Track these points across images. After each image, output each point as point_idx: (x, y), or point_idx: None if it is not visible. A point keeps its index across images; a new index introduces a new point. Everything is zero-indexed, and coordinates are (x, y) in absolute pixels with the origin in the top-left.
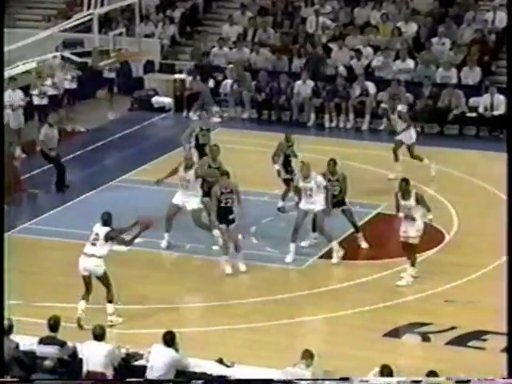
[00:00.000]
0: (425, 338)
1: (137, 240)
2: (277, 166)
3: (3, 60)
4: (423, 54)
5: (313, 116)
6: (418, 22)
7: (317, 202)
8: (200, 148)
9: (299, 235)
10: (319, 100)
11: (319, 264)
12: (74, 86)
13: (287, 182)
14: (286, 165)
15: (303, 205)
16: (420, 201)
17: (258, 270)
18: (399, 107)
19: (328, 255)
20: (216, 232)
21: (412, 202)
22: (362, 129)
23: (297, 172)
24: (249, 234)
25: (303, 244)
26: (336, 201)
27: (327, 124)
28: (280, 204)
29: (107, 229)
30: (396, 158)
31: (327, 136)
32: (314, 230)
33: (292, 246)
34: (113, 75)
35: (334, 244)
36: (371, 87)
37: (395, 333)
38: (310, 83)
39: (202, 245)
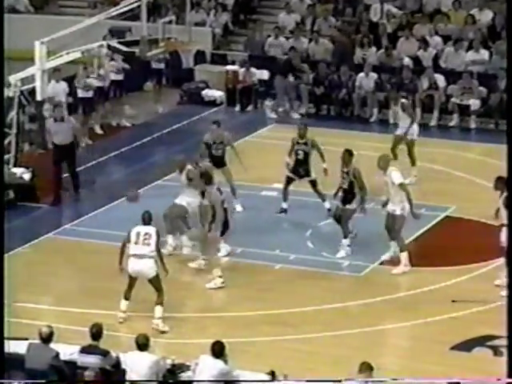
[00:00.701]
0: (497, 352)
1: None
2: (287, 159)
3: (3, 59)
4: (498, 44)
5: (376, 111)
6: (494, 8)
7: (395, 204)
8: (215, 159)
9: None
10: (383, 94)
11: (379, 271)
12: (120, 77)
13: (289, 179)
14: (299, 161)
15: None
16: None
17: (313, 277)
18: (403, 100)
19: (388, 262)
20: (184, 238)
21: None
22: (430, 125)
23: (312, 170)
24: (304, 238)
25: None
26: (344, 196)
27: (392, 120)
28: (285, 205)
29: (155, 228)
30: (395, 157)
31: (391, 133)
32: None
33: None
34: (161, 66)
35: (404, 254)
36: (440, 80)
37: (464, 346)
38: (374, 76)
39: (252, 248)
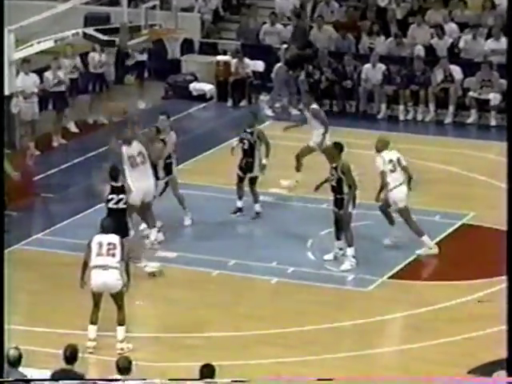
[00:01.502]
0: None
1: (171, 255)
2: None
3: (3, 58)
4: None
5: (384, 106)
6: None
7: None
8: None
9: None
10: (392, 87)
11: (388, 285)
12: (100, 70)
13: (239, 177)
14: (244, 152)
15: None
16: None
17: (315, 293)
18: (314, 105)
19: (398, 275)
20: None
21: None
22: (444, 122)
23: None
24: (304, 249)
25: (326, 257)
26: (335, 198)
27: (402, 116)
28: (239, 204)
29: (118, 236)
30: (298, 167)
31: (402, 131)
32: (338, 237)
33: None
34: (144, 57)
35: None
36: (457, 72)
37: (483, 369)
38: (381, 67)
39: (247, 261)
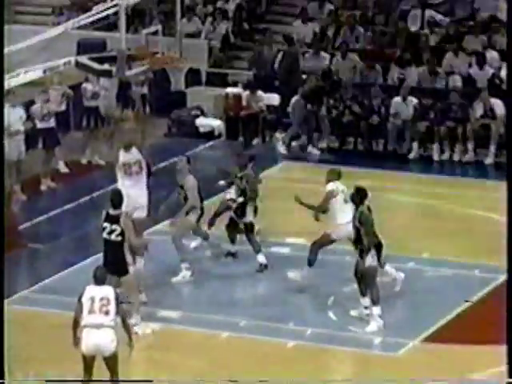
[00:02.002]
0: None
1: (175, 315)
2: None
3: (3, 61)
4: None
5: (416, 145)
6: None
7: None
8: None
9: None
10: (425, 123)
11: (421, 349)
12: (93, 103)
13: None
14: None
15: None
16: None
17: (337, 357)
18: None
19: (432, 337)
20: None
21: None
22: (485, 163)
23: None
24: (325, 308)
25: (353, 313)
26: (357, 248)
27: (436, 156)
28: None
29: (112, 289)
30: (211, 224)
31: (436, 173)
32: (362, 293)
33: None
34: (144, 89)
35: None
36: (498, 106)
37: None
38: (413, 100)
39: (259, 321)
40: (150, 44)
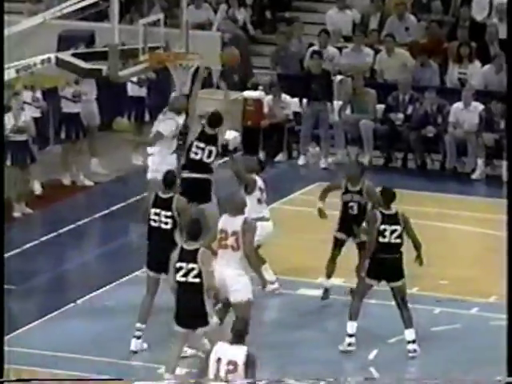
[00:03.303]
0: None
1: None
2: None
3: (3, 59)
4: None
5: (481, 163)
6: None
7: None
8: None
9: None
10: (493, 135)
11: None
12: (76, 109)
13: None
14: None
15: None
16: None
17: None
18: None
19: None
20: None
21: None
22: None
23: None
24: (366, 364)
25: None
26: None
27: (507, 176)
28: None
29: (245, 348)
30: None
31: (506, 196)
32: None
33: None
34: (142, 92)
35: None
36: None
37: None
38: (478, 106)
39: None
40: (148, 37)
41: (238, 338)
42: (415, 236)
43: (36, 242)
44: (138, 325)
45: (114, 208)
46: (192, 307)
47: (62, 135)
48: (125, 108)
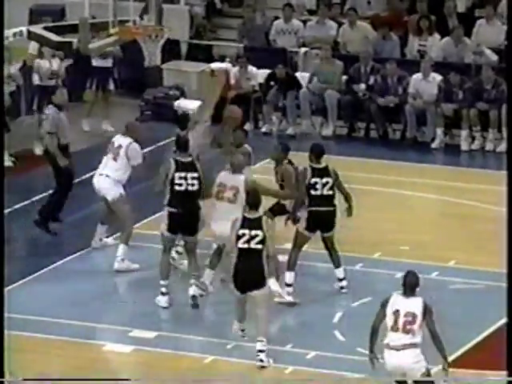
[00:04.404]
0: None
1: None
2: None
3: (3, 59)
4: None
5: (441, 132)
6: None
7: None
8: None
9: None
10: (452, 106)
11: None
12: (52, 82)
13: None
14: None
15: None
16: None
17: None
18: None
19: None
20: None
21: None
22: None
23: None
24: (329, 327)
25: None
26: None
27: (465, 145)
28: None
29: (420, 302)
30: None
31: (464, 165)
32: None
33: None
34: (108, 63)
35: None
36: None
37: None
38: (437, 78)
39: (251, 343)
40: (118, 10)
41: (412, 290)
42: (345, 189)
43: (10, 209)
44: (162, 282)
45: (86, 176)
46: (253, 271)
47: (34, 107)
48: (90, 79)
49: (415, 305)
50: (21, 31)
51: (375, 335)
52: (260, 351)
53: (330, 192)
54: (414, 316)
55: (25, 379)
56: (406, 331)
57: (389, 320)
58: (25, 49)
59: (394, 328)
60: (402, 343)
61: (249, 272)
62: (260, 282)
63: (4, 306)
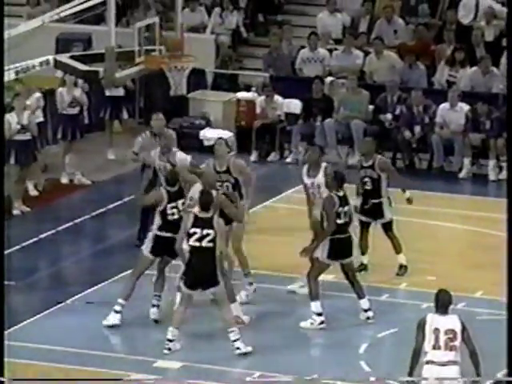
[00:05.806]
0: None
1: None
2: None
3: (3, 58)
4: None
5: (467, 162)
6: None
7: None
8: None
9: None
10: (479, 136)
11: None
12: (75, 110)
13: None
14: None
15: None
16: None
17: None
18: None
19: None
20: None
21: None
22: None
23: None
24: (356, 357)
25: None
26: None
27: (492, 175)
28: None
29: (457, 319)
30: None
31: (492, 195)
32: None
33: None
34: (120, 92)
35: None
36: None
37: None
38: (464, 107)
39: (275, 372)
40: (144, 40)
41: (446, 308)
42: None
43: (35, 238)
44: (121, 301)
45: (109, 206)
46: (205, 269)
47: (59, 135)
48: (103, 109)
49: (453, 322)
50: (47, 60)
51: (416, 358)
52: (235, 341)
53: (348, 219)
54: (454, 333)
55: (25, 379)
56: (449, 348)
57: (429, 339)
58: (51, 78)
59: (436, 346)
60: (447, 359)
61: (201, 270)
62: (213, 280)
63: (4, 307)
